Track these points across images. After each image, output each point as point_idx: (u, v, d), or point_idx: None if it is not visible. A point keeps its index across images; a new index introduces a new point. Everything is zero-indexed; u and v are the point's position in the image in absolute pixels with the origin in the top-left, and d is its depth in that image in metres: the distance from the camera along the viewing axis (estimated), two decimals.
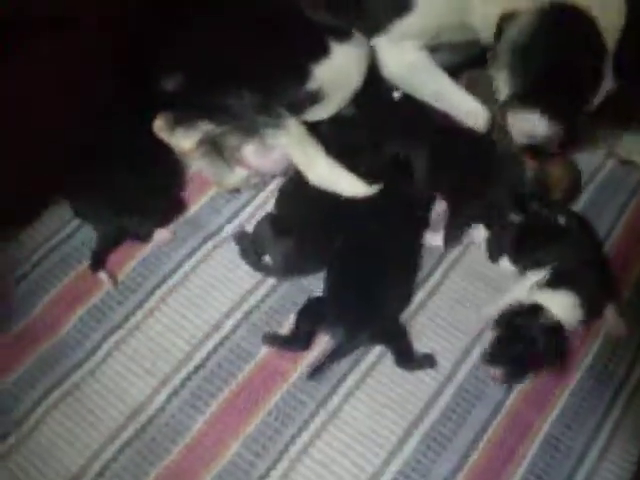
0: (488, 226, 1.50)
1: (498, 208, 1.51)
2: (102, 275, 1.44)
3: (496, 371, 1.33)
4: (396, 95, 1.58)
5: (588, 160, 1.66)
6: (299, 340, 1.38)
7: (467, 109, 1.55)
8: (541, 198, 1.52)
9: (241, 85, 1.39)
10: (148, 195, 1.48)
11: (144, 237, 1.49)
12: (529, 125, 1.42)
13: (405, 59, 1.52)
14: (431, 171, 1.52)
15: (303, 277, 1.46)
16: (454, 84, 1.55)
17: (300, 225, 1.44)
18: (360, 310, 1.37)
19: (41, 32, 1.33)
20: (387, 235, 1.45)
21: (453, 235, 1.51)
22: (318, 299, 1.42)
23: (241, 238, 1.48)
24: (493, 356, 1.33)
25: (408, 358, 1.38)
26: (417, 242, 1.51)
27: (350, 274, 1.42)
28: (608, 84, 1.35)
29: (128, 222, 1.46)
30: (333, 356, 1.36)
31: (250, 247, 1.46)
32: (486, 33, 1.44)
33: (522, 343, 1.30)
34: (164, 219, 1.52)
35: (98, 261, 1.45)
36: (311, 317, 1.39)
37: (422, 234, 1.51)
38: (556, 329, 1.32)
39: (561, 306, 1.34)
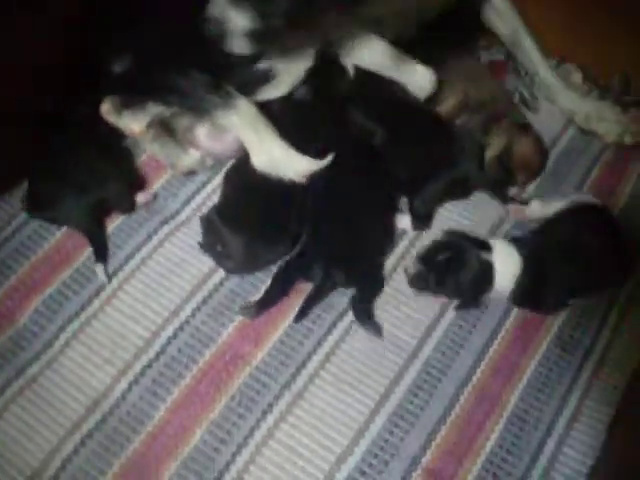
0: None
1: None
2: (98, 270, 1.40)
3: (410, 270, 1.36)
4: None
5: (548, 128, 1.64)
6: (278, 291, 1.38)
7: (415, 75, 1.53)
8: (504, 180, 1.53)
9: (190, 64, 1.35)
10: (116, 163, 1.47)
11: (128, 206, 1.47)
12: None
13: None
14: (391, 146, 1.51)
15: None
16: (402, 55, 1.53)
17: (253, 217, 1.39)
18: (336, 247, 1.38)
19: None
20: (362, 185, 1.45)
21: (421, 219, 1.50)
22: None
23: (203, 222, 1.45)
24: (423, 256, 1.35)
25: (367, 310, 1.37)
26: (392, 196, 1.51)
27: (327, 218, 1.41)
28: None
29: (108, 191, 1.43)
30: (313, 298, 1.36)
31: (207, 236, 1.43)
32: None
33: (452, 259, 1.33)
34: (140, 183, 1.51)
35: (100, 252, 1.42)
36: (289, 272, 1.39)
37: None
38: (486, 270, 1.33)
39: (504, 261, 1.34)
